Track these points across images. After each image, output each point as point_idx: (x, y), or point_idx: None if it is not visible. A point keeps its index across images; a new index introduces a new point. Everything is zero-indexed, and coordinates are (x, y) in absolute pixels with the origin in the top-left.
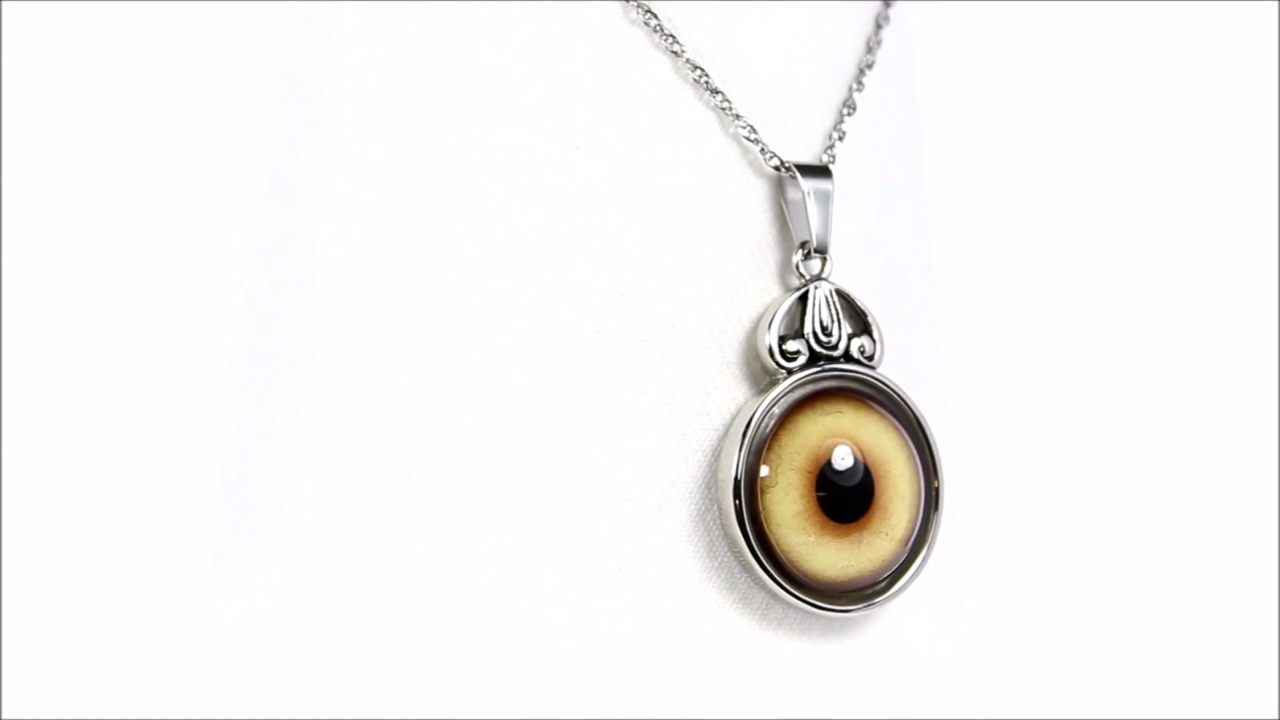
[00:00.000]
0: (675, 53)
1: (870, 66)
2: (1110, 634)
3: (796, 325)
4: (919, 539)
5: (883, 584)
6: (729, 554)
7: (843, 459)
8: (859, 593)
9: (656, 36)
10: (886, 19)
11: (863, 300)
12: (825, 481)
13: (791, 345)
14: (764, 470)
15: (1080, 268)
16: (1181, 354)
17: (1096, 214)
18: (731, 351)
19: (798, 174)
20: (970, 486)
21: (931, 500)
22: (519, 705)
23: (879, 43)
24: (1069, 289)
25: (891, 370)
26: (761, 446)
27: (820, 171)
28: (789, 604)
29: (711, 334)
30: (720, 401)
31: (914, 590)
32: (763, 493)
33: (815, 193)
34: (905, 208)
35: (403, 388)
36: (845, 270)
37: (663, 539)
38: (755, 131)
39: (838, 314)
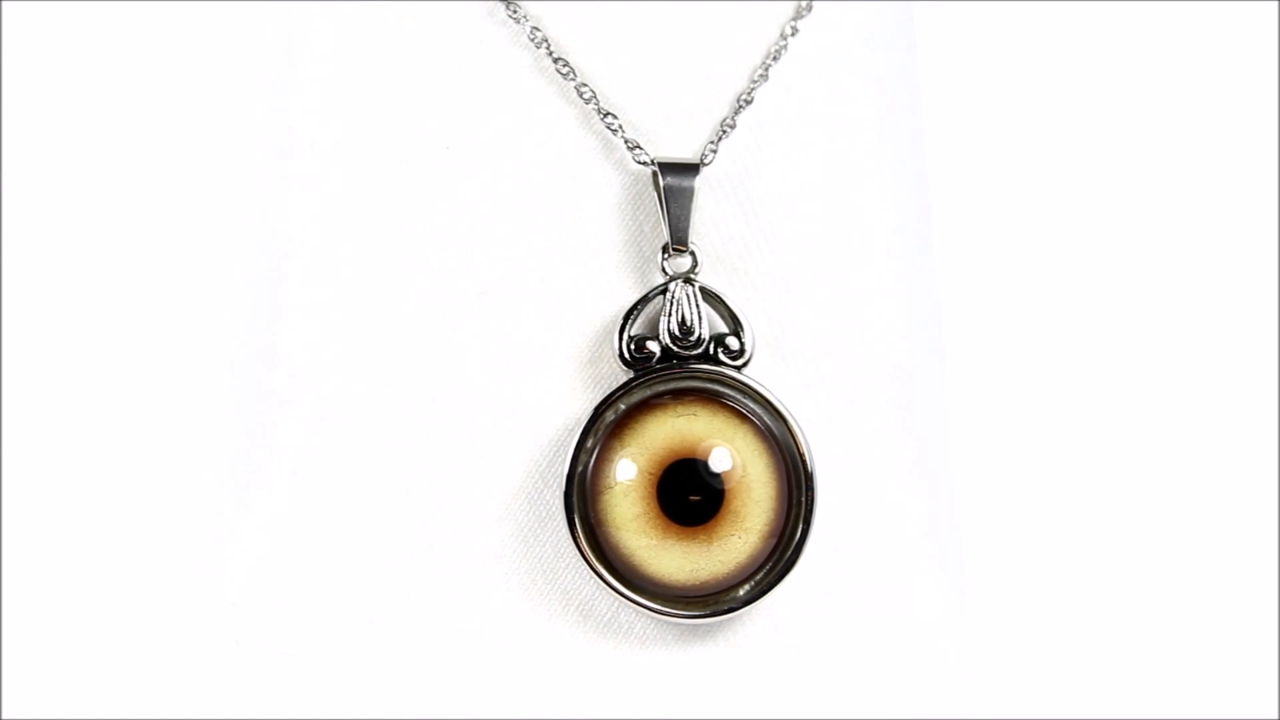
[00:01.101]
0: (546, 52)
1: (777, 59)
2: (1110, 634)
3: (656, 324)
4: (782, 545)
5: (744, 589)
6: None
7: (683, 463)
8: (713, 597)
9: (526, 35)
10: (807, 9)
11: (733, 299)
12: (669, 483)
13: (645, 344)
14: (605, 471)
15: (1083, 266)
16: (1184, 353)
17: (1100, 213)
18: (591, 350)
19: (659, 171)
20: (970, 486)
21: (800, 507)
22: (365, 702)
23: (793, 33)
24: (1072, 288)
25: (798, 370)
26: (602, 446)
27: (686, 168)
28: (633, 608)
29: (572, 333)
30: (579, 401)
31: (790, 596)
32: (601, 494)
33: (676, 189)
34: (840, 204)
35: (270, 386)
36: (725, 268)
37: (510, 539)
38: (621, 129)
39: (699, 313)
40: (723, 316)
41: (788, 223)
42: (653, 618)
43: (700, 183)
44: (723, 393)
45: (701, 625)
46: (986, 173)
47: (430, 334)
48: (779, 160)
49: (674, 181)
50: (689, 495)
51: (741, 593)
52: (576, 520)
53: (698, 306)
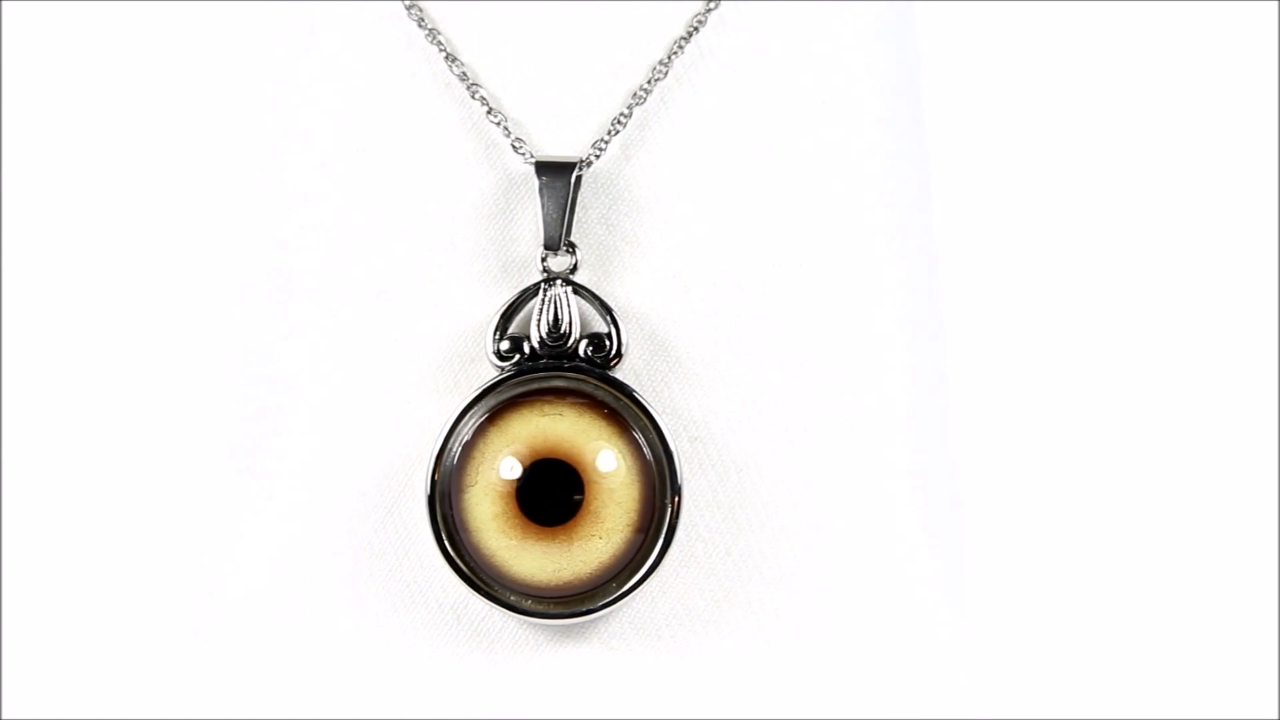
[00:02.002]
0: (440, 52)
1: (678, 53)
2: (1110, 635)
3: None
4: (646, 546)
5: (614, 589)
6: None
7: (542, 463)
8: (577, 598)
9: (423, 35)
10: (715, 5)
11: (611, 299)
12: (527, 483)
13: (510, 344)
14: (467, 470)
15: (1085, 267)
16: (1185, 354)
17: (1102, 213)
18: (468, 350)
19: (536, 169)
20: (970, 486)
21: (665, 510)
22: (230, 707)
23: (699, 26)
24: (1074, 288)
25: (689, 368)
26: (466, 446)
27: (563, 166)
28: (499, 610)
29: (456, 333)
30: (452, 401)
31: (650, 596)
32: (463, 493)
33: (553, 187)
34: (757, 201)
35: (164, 385)
36: (614, 267)
37: (393, 540)
38: (506, 128)
39: (570, 312)
40: (606, 317)
41: (683, 221)
42: (515, 619)
43: (589, 180)
44: (589, 392)
45: (563, 626)
46: (988, 172)
47: (325, 336)
48: (676, 157)
49: (551, 179)
50: (548, 495)
51: (608, 594)
52: (440, 521)
53: (569, 306)
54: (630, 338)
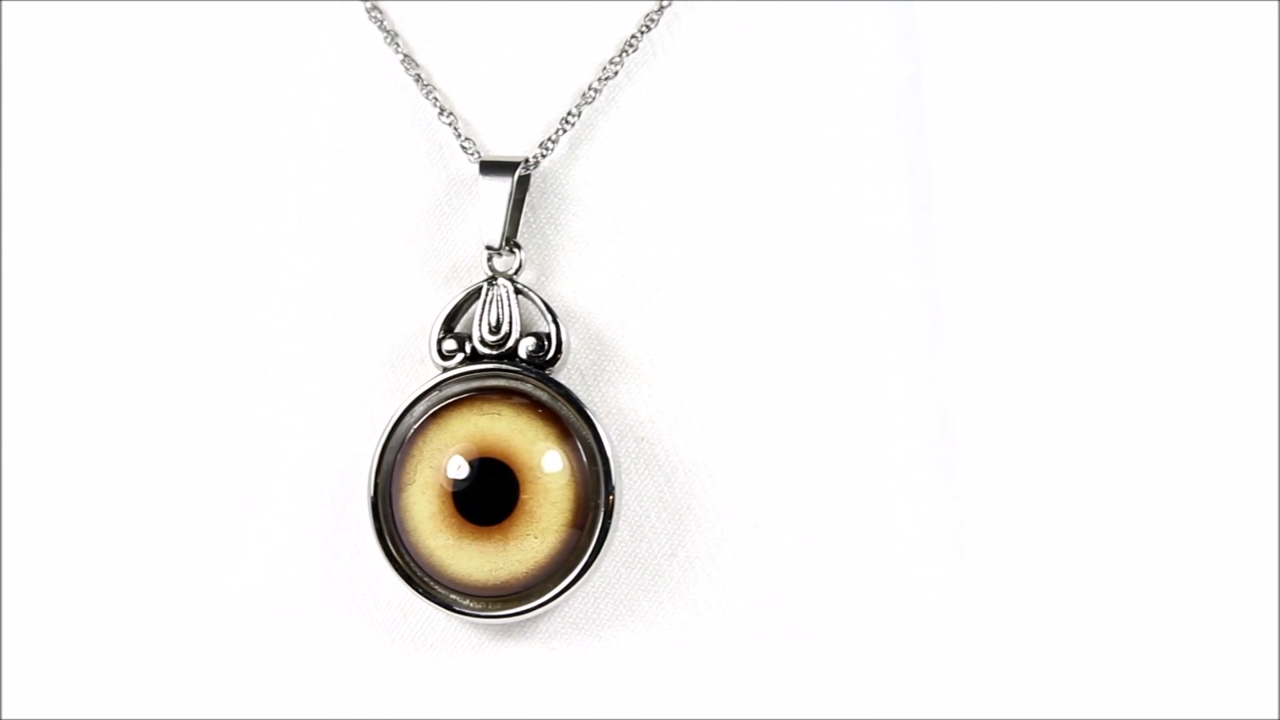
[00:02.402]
0: (395, 51)
1: (629, 52)
2: (1110, 634)
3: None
4: (581, 546)
5: (551, 588)
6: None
7: (478, 462)
8: (516, 597)
9: (381, 34)
10: (667, 5)
11: (557, 299)
12: (463, 481)
13: (453, 344)
14: (406, 468)
15: (1086, 267)
16: (1186, 354)
17: (1103, 214)
18: (415, 349)
19: (480, 169)
20: (972, 486)
21: (600, 509)
22: (180, 705)
23: (650, 26)
24: (1075, 288)
25: (638, 368)
26: (407, 444)
27: (507, 166)
28: (439, 610)
29: (410, 333)
30: (396, 401)
31: (594, 597)
32: (401, 492)
33: (494, 188)
34: (724, 201)
35: (103, 382)
36: (562, 267)
37: (346, 539)
38: (456, 128)
39: (511, 312)
40: (543, 316)
41: (631, 220)
42: (454, 618)
43: (538, 180)
44: (528, 392)
45: (502, 625)
46: (988, 171)
47: (260, 333)
48: (624, 156)
49: (493, 179)
50: (484, 494)
51: (544, 593)
52: (381, 521)
53: (510, 306)
54: (577, 337)
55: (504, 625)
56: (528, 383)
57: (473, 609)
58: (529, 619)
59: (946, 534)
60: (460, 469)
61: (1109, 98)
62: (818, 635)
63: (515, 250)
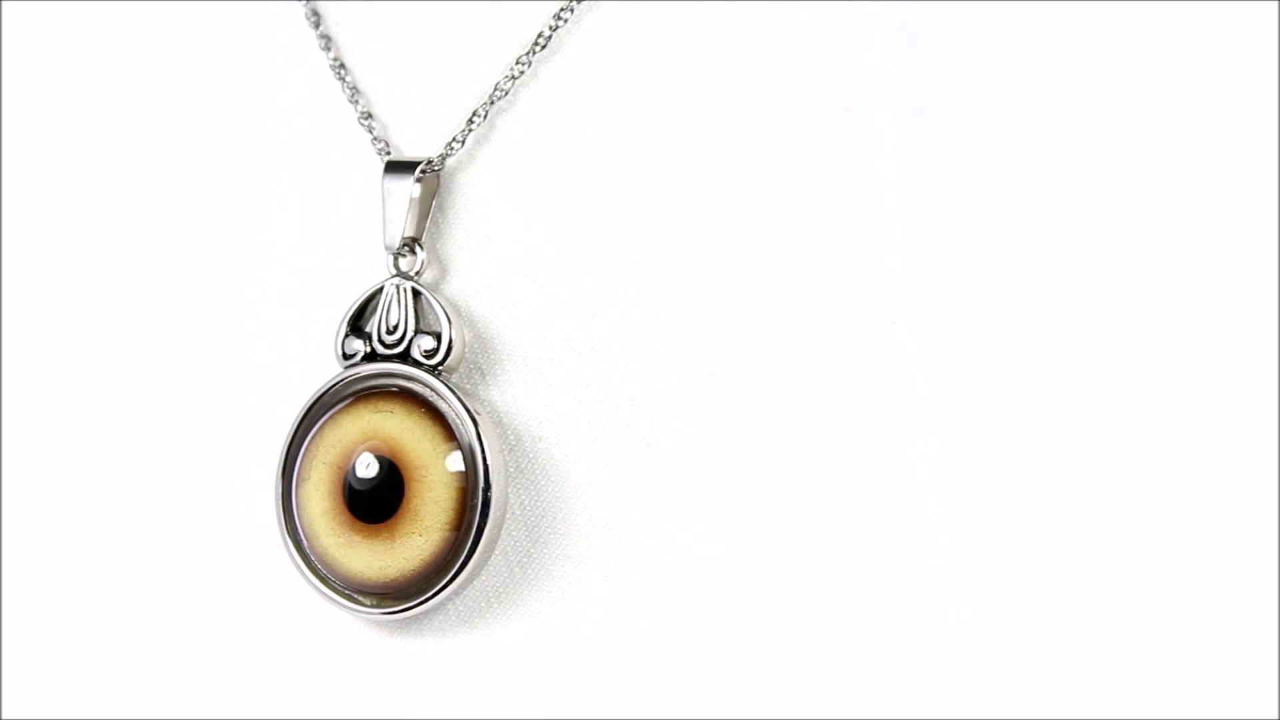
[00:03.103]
0: (330, 56)
1: (536, 51)
2: (1110, 634)
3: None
4: (460, 543)
5: (439, 585)
6: None
7: (367, 460)
8: (404, 594)
9: (315, 35)
10: (570, 10)
11: (454, 298)
12: (352, 479)
13: (353, 344)
14: (304, 466)
15: (1087, 267)
16: (1186, 355)
17: (1104, 214)
18: (323, 349)
19: (385, 170)
20: (972, 486)
21: (480, 506)
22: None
23: (556, 25)
24: (1076, 289)
25: (535, 367)
26: (308, 443)
27: (407, 167)
28: (339, 605)
29: (329, 332)
30: (309, 399)
31: (480, 594)
32: (299, 489)
33: (396, 189)
34: (629, 199)
35: (51, 379)
36: (466, 266)
37: (227, 540)
38: (373, 129)
39: (406, 312)
40: (448, 317)
41: (533, 218)
42: (351, 613)
43: (446, 179)
44: (417, 392)
45: (395, 622)
46: (993, 173)
47: (180, 332)
48: (527, 154)
49: (396, 180)
50: (371, 492)
51: (429, 590)
52: (283, 518)
53: (404, 306)
54: (478, 337)
55: (396, 622)
56: (418, 383)
57: (367, 606)
58: (413, 616)
59: (868, 534)
60: (351, 467)
61: (1109, 98)
62: (720, 639)
63: (417, 250)
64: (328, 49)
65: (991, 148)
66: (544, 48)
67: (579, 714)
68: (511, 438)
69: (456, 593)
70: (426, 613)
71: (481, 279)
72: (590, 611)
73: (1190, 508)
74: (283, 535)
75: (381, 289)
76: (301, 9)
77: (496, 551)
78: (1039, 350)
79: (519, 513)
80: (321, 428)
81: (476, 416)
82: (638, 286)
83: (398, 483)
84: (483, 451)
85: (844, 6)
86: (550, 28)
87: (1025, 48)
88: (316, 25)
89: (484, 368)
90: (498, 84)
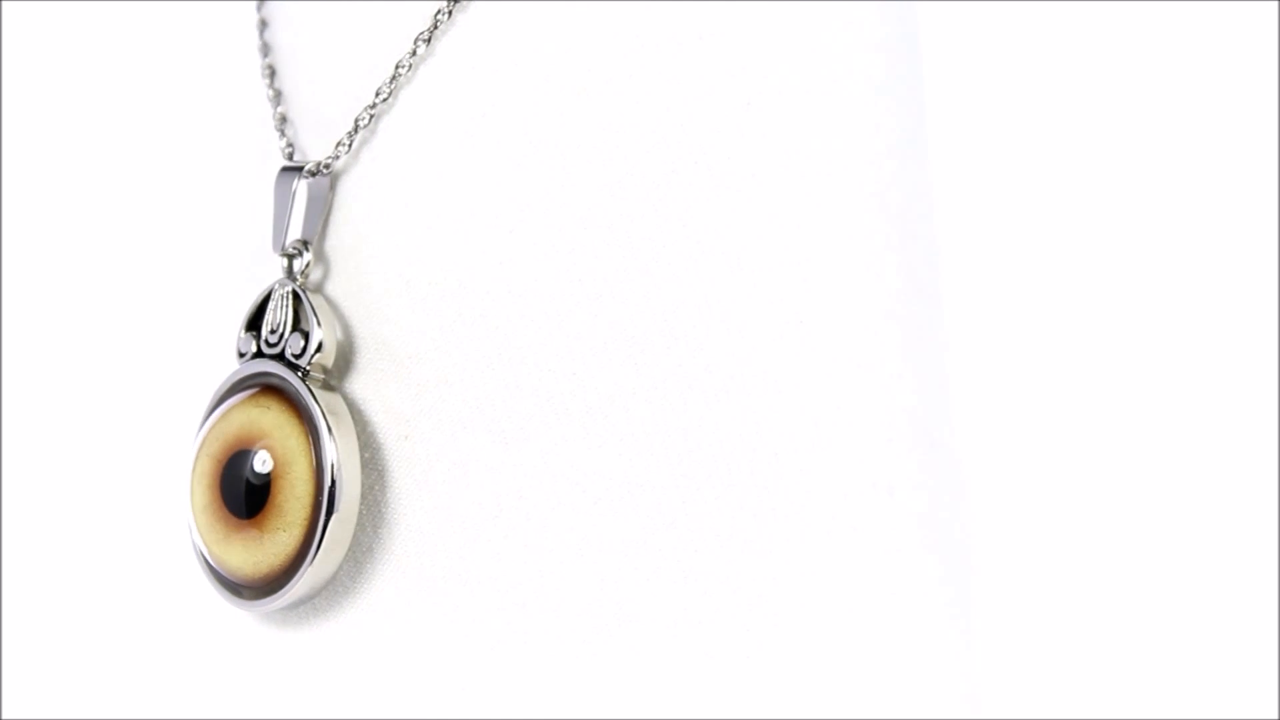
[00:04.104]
0: (264, 58)
1: (417, 52)
2: (1111, 634)
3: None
4: (308, 540)
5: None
6: None
7: (245, 452)
8: (276, 587)
9: (259, 40)
10: (447, 14)
11: (317, 299)
12: (227, 475)
13: (248, 342)
14: (194, 461)
15: (1087, 268)
16: (1186, 356)
17: (1105, 214)
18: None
19: (279, 174)
20: (973, 486)
21: (326, 504)
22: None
23: (438, 24)
24: (1076, 289)
25: (400, 370)
26: (203, 438)
27: (296, 170)
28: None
29: (228, 330)
30: (213, 397)
31: (348, 591)
32: (189, 482)
33: (284, 191)
34: (501, 199)
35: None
36: (349, 267)
37: (146, 534)
38: (283, 131)
39: (287, 313)
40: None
41: (409, 220)
42: (242, 607)
43: (339, 182)
44: (286, 389)
45: (266, 614)
46: (993, 173)
47: (97, 334)
48: (405, 156)
49: (282, 183)
50: (240, 488)
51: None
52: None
53: (284, 306)
54: (352, 336)
55: (271, 615)
56: (289, 381)
57: (250, 597)
58: (275, 609)
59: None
60: (226, 463)
61: (1110, 98)
62: (569, 637)
63: (300, 252)
64: (266, 54)
65: (991, 148)
66: (426, 47)
67: (425, 707)
68: (380, 436)
69: (309, 588)
70: (292, 605)
71: (360, 279)
72: (439, 606)
73: (1190, 507)
74: (190, 530)
75: (272, 290)
76: (254, 10)
77: (355, 546)
78: (1039, 350)
79: (380, 509)
80: (213, 425)
81: (328, 415)
82: (503, 287)
83: (261, 478)
84: (333, 448)
85: (844, 6)
86: (430, 28)
87: (1025, 48)
88: (262, 30)
89: (359, 366)
90: (379, 87)
